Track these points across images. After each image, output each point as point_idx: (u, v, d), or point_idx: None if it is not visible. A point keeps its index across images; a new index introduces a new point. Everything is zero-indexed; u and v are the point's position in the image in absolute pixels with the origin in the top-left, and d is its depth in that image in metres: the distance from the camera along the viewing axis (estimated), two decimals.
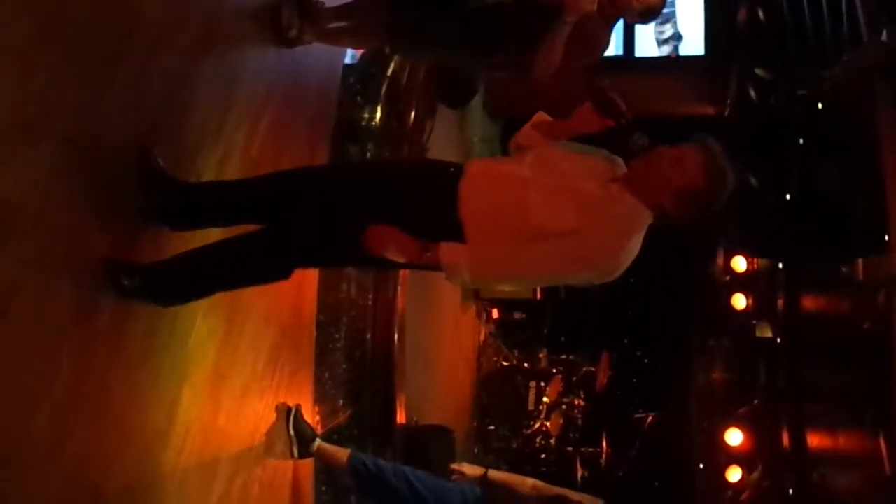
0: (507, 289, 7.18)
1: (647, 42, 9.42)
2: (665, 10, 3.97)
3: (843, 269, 5.82)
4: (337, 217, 2.82)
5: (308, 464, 4.38)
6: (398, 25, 3.94)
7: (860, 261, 5.38)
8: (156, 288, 2.82)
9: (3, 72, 2.19)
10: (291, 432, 4.12)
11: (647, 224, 2.75)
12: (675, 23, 9.33)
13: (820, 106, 7.29)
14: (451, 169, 2.86)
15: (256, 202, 2.98)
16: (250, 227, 2.97)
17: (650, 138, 2.78)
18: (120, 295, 2.71)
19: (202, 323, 3.23)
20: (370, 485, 4.27)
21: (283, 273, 3.01)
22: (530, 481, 4.55)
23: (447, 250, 2.68)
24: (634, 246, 2.73)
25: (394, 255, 2.69)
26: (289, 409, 4.12)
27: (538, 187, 2.71)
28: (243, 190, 3.05)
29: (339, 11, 4.21)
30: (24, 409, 2.31)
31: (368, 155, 5.56)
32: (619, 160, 2.84)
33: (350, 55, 5.55)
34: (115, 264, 2.70)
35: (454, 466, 4.57)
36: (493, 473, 4.52)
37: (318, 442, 4.24)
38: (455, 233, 2.72)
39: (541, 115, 3.04)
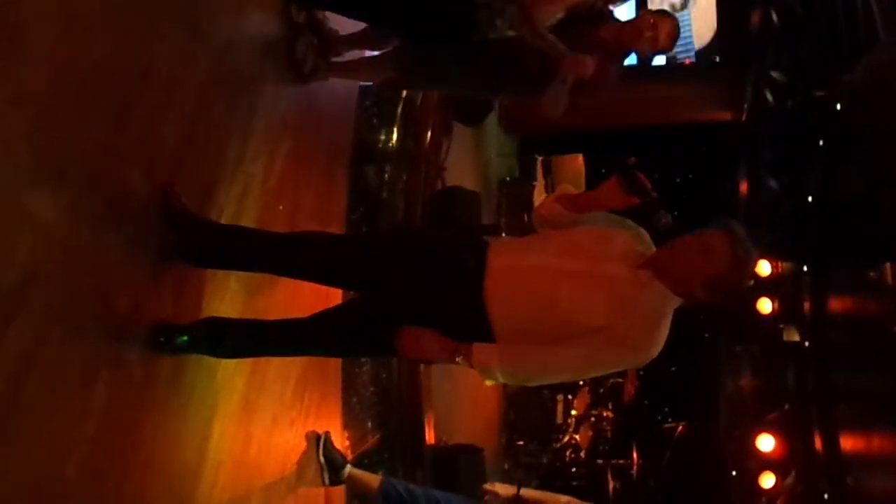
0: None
1: None
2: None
3: (871, 273, 5.76)
4: (368, 315, 2.89)
5: (340, 490, 4.37)
6: (408, 61, 3.96)
7: (888, 265, 5.33)
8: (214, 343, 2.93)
9: (21, 120, 2.20)
10: (322, 459, 4.11)
11: (676, 306, 2.75)
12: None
13: (838, 107, 7.25)
14: (473, 261, 2.80)
15: (276, 266, 3.09)
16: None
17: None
18: (162, 352, 2.78)
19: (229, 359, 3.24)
20: None
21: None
22: (564, 499, 4.53)
23: (479, 353, 2.71)
24: (664, 333, 2.74)
25: (427, 358, 2.76)
26: (318, 437, 4.11)
27: (567, 277, 2.71)
28: (262, 248, 3.06)
29: (351, 39, 4.25)
30: (56, 454, 2.32)
31: (386, 177, 5.58)
32: (645, 234, 2.84)
33: None
34: (159, 328, 2.79)
35: (487, 487, 4.55)
36: (526, 492, 4.49)
37: (348, 468, 4.23)
38: (484, 329, 2.73)
39: (564, 188, 3.04)
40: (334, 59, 4.20)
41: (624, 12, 3.91)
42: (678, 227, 2.77)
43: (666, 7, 8.96)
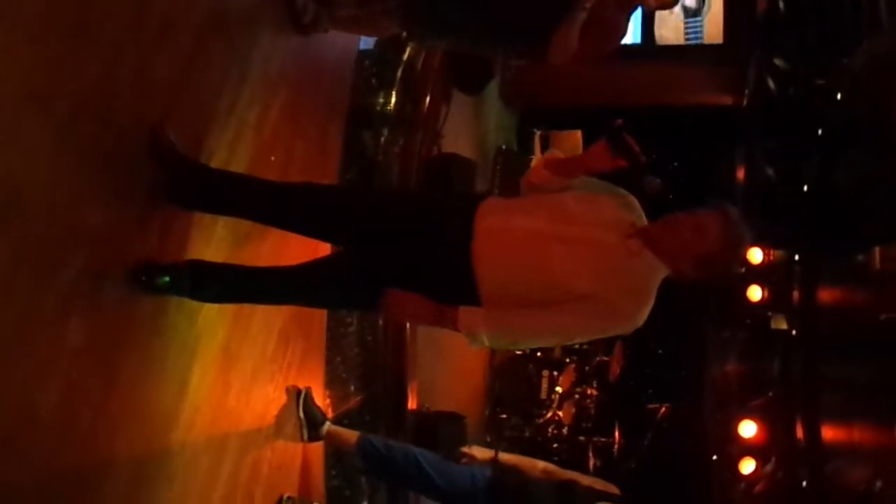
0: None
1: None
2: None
3: (860, 257, 5.77)
4: (355, 269, 2.88)
5: (318, 447, 4.38)
6: (414, 11, 3.91)
7: (877, 249, 5.33)
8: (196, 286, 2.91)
9: (14, 42, 2.17)
10: (301, 415, 4.11)
11: (662, 277, 2.75)
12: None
13: (839, 96, 7.23)
14: (461, 221, 2.77)
15: (267, 214, 3.06)
16: None
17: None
18: (142, 291, 2.76)
19: (211, 304, 3.21)
20: (379, 466, 4.27)
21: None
22: (541, 464, 4.54)
23: (465, 316, 2.70)
24: (651, 302, 2.74)
25: (411, 320, 2.74)
26: (299, 392, 4.11)
27: (556, 241, 2.69)
28: (254, 194, 3.05)
29: (349, 20, 4.18)
30: (30, 386, 2.30)
31: (382, 139, 5.54)
32: (635, 202, 2.83)
33: (365, 40, 5.54)
34: (140, 267, 2.76)
35: (464, 450, 4.56)
36: (504, 456, 4.50)
37: (327, 425, 4.23)
38: (470, 290, 2.72)
39: (552, 153, 3.02)
40: (335, 13, 4.13)
41: None
42: (676, 193, 2.76)
43: (680, 11, 8.91)
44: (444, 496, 4.23)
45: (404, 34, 4.07)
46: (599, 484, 4.37)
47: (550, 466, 4.52)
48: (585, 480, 4.35)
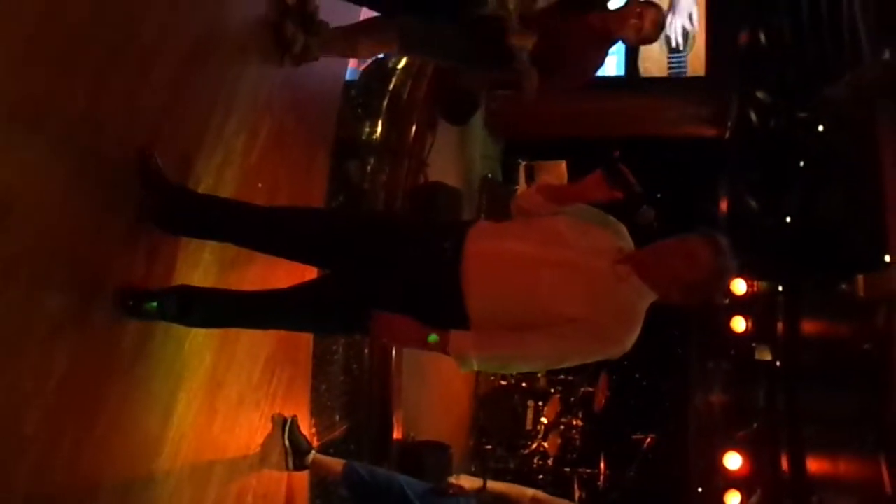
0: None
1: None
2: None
3: (844, 286, 5.80)
4: (342, 293, 2.87)
5: (303, 476, 4.34)
6: (408, 28, 3.95)
7: (860, 277, 5.37)
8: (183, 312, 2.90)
9: (3, 63, 2.17)
10: (287, 444, 4.08)
11: (650, 303, 2.76)
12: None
13: (821, 128, 7.31)
14: (450, 244, 2.77)
15: (254, 239, 3.05)
16: None
17: (655, 208, 2.78)
18: (130, 316, 2.75)
19: (198, 329, 3.20)
20: (364, 495, 4.23)
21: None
22: (530, 492, 4.52)
23: (455, 340, 2.68)
24: (639, 326, 2.75)
25: (399, 343, 2.73)
26: (285, 420, 4.08)
27: (547, 266, 2.70)
28: (241, 219, 3.04)
29: (344, 29, 4.22)
30: (15, 407, 2.28)
31: (368, 168, 5.56)
32: (623, 229, 2.84)
33: (352, 71, 5.58)
34: (128, 292, 2.76)
35: (452, 480, 4.51)
36: (493, 484, 4.46)
37: (313, 454, 4.19)
38: (459, 313, 2.71)
39: (545, 179, 3.04)
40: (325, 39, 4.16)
41: (616, 2, 3.93)
42: (660, 223, 2.78)
43: (664, 45, 9.03)
44: None
45: (397, 47, 4.08)
46: None
47: (540, 494, 4.50)
48: None
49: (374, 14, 4.25)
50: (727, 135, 9.01)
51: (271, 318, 3.09)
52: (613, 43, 3.89)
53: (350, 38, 4.17)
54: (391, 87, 5.89)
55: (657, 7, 3.83)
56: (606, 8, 3.89)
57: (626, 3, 3.84)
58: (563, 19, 3.69)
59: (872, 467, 6.13)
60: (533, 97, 3.70)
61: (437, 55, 4.50)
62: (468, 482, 4.50)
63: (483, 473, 7.18)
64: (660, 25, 3.78)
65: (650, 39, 3.86)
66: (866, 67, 5.22)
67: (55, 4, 2.36)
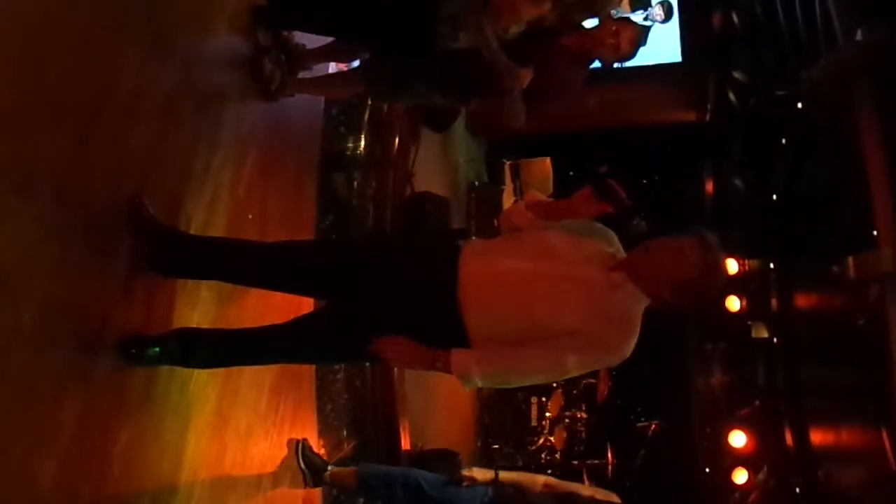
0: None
1: None
2: None
3: (834, 267, 5.85)
4: (342, 322, 2.89)
5: (315, 494, 4.38)
6: (375, 73, 3.98)
7: (850, 258, 5.41)
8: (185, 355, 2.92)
9: None
10: (303, 465, 4.15)
11: (645, 306, 2.79)
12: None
13: (799, 106, 7.34)
14: (446, 268, 2.79)
15: (249, 276, 3.08)
16: None
17: (646, 217, 2.82)
18: (133, 363, 2.77)
19: (201, 370, 3.22)
20: (382, 493, 4.30)
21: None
22: (542, 479, 4.56)
23: (458, 359, 2.72)
24: (637, 332, 2.77)
25: (403, 365, 2.76)
26: (297, 443, 4.15)
27: (542, 280, 2.72)
28: (235, 257, 3.06)
29: (318, 53, 4.24)
30: (28, 469, 2.30)
31: (355, 184, 5.59)
32: (613, 235, 2.88)
33: None
34: (129, 340, 2.78)
35: (465, 472, 4.53)
36: (504, 475, 4.50)
37: (329, 469, 4.26)
38: (458, 333, 2.74)
39: (534, 195, 3.07)
40: (301, 76, 4.19)
41: (592, 22, 3.94)
42: (652, 233, 2.82)
43: (648, 21, 9.05)
44: None
45: (367, 95, 4.11)
46: (601, 494, 4.37)
47: (551, 480, 4.55)
48: (586, 492, 4.36)
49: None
50: (708, 117, 9.06)
51: (273, 355, 3.12)
52: (591, 62, 3.90)
53: (319, 89, 4.21)
54: (370, 101, 5.92)
55: (633, 25, 3.85)
56: (581, 29, 3.90)
57: (602, 23, 3.85)
58: (539, 45, 3.71)
59: (875, 439, 6.18)
60: (520, 126, 3.73)
61: (409, 100, 4.54)
62: (481, 474, 4.53)
63: (495, 465, 7.25)
64: (637, 43, 3.79)
65: (627, 57, 3.88)
66: (840, 49, 5.26)
67: (28, 68, 2.37)
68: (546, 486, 4.48)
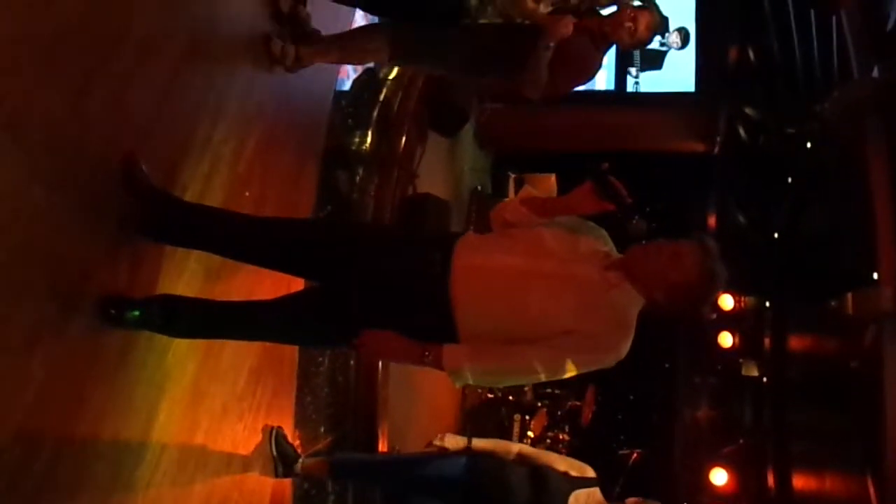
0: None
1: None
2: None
3: (833, 303, 5.80)
4: (329, 306, 2.82)
5: (286, 485, 4.30)
6: (400, 38, 3.94)
7: (849, 295, 5.37)
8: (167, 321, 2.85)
9: None
10: (275, 453, 4.07)
11: (640, 307, 2.73)
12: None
13: (809, 145, 7.33)
14: (438, 258, 2.72)
15: (240, 250, 3.00)
16: None
17: (648, 220, 2.77)
18: (112, 325, 2.70)
19: (182, 339, 3.15)
20: (355, 474, 4.25)
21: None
22: (516, 447, 4.45)
23: (449, 354, 2.65)
24: (632, 332, 2.71)
25: (389, 359, 2.67)
26: (272, 430, 4.07)
27: (536, 278, 2.66)
28: (228, 229, 2.99)
29: (337, 36, 4.20)
30: None
31: (357, 178, 5.54)
32: (604, 233, 2.82)
33: (341, 80, 5.56)
34: (110, 300, 2.70)
35: (436, 442, 4.42)
36: (477, 442, 4.39)
37: (301, 461, 4.18)
38: (447, 326, 2.67)
39: (529, 191, 3.01)
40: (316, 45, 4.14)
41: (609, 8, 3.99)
42: (651, 233, 2.76)
43: (664, 46, 9.05)
44: (421, 484, 4.17)
45: (388, 57, 4.07)
46: (575, 469, 4.24)
47: (526, 449, 4.44)
48: (561, 465, 4.21)
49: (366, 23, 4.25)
50: (716, 150, 9.05)
51: (256, 330, 3.04)
52: (609, 46, 3.93)
53: (340, 45, 4.16)
54: (382, 97, 5.89)
55: (650, 11, 3.86)
56: (600, 13, 3.93)
57: (620, 8, 3.88)
58: None
59: (859, 485, 6.11)
60: (538, 95, 3.70)
61: (430, 65, 4.50)
62: (452, 442, 4.40)
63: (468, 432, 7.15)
64: (653, 29, 3.82)
65: (644, 42, 3.92)
66: (854, 84, 5.24)
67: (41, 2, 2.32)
68: (520, 454, 4.37)
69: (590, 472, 4.26)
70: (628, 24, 3.79)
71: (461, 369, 2.67)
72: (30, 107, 2.31)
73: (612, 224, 2.82)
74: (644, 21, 3.79)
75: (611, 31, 3.83)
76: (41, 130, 2.35)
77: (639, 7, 3.85)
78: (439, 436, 4.43)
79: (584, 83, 3.86)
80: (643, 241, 2.72)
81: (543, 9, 3.65)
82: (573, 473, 4.17)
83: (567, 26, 3.59)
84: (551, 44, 3.56)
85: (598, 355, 2.71)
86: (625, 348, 2.69)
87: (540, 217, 2.83)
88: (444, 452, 4.32)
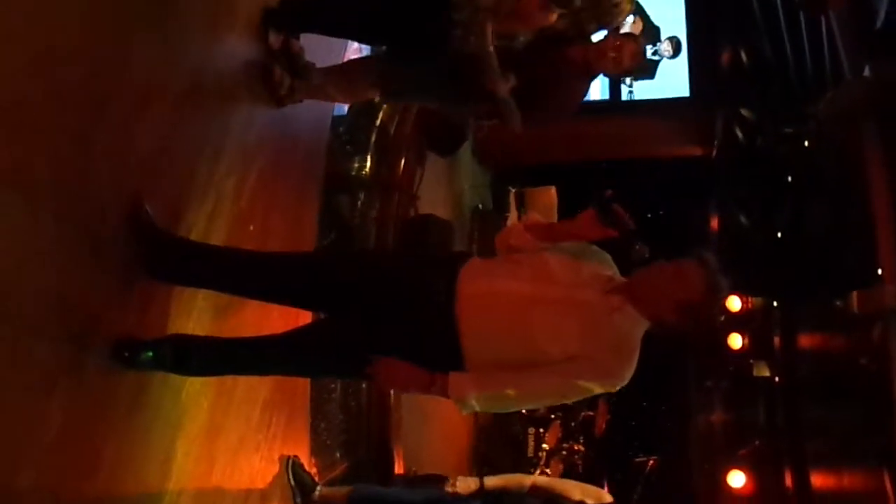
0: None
1: None
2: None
3: (838, 302, 5.82)
4: (338, 337, 2.86)
5: None
6: (389, 75, 3.98)
7: (854, 294, 5.38)
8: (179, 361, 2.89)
9: None
10: (292, 482, 4.09)
11: (644, 330, 2.75)
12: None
13: (806, 144, 7.35)
14: (444, 287, 2.75)
15: (247, 287, 3.03)
16: None
17: (649, 246, 2.80)
18: (125, 367, 2.73)
19: (195, 377, 3.18)
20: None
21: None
22: (528, 480, 4.46)
23: (455, 383, 2.67)
24: (636, 356, 2.74)
25: (400, 389, 2.71)
26: (288, 459, 4.09)
27: (540, 304, 2.68)
28: (233, 267, 3.02)
29: (329, 71, 4.24)
30: (10, 462, 2.25)
31: (359, 204, 5.58)
32: (608, 257, 2.85)
33: (339, 107, 5.59)
34: (123, 343, 2.74)
35: (448, 488, 4.43)
36: (490, 481, 4.39)
37: (319, 489, 4.20)
38: (453, 354, 2.70)
39: (533, 217, 3.04)
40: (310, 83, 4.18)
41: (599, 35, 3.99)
42: (654, 248, 2.79)
43: (657, 55, 9.10)
44: None
45: (377, 99, 4.12)
46: (591, 494, 4.23)
47: (540, 480, 4.45)
48: (577, 494, 4.21)
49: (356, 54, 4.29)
50: (714, 153, 9.07)
51: (267, 366, 3.08)
52: (594, 76, 3.94)
53: (334, 84, 4.20)
54: (378, 121, 5.92)
55: (635, 39, 3.89)
56: (585, 42, 3.92)
57: (605, 37, 3.88)
58: (543, 55, 3.73)
59: (876, 481, 6.10)
60: (519, 130, 3.73)
61: (419, 99, 4.54)
62: (464, 485, 4.41)
63: (479, 473, 7.15)
64: (638, 58, 3.82)
65: (629, 71, 3.92)
66: (847, 85, 5.27)
67: (41, 58, 2.36)
68: (534, 486, 4.37)
69: (606, 499, 4.26)
70: (612, 53, 3.77)
71: (467, 397, 2.69)
72: (38, 152, 2.34)
73: (615, 249, 2.84)
74: (628, 51, 3.78)
75: (594, 61, 3.82)
76: (49, 176, 2.39)
77: (623, 36, 3.86)
78: (451, 481, 4.46)
79: (567, 116, 3.88)
80: (645, 264, 2.74)
81: (524, 39, 3.64)
82: (589, 502, 4.17)
83: (501, 88, 3.59)
84: (502, 95, 3.59)
85: (601, 381, 2.73)
86: (628, 373, 2.72)
87: (543, 242, 2.86)
88: (457, 497, 4.34)
